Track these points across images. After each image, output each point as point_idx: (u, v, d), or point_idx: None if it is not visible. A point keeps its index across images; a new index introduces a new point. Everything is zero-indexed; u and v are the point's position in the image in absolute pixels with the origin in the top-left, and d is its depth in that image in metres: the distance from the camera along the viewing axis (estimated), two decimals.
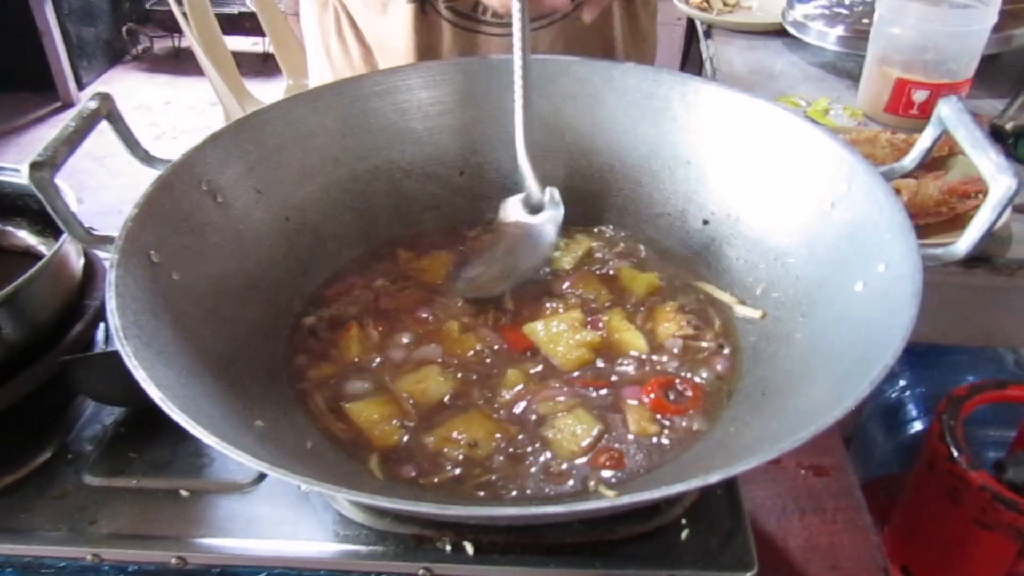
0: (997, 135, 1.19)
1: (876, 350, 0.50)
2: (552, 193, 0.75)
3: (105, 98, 0.63)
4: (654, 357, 0.67)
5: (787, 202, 0.70)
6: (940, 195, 1.02)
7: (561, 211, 0.74)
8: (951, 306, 1.03)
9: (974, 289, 1.00)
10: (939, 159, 1.12)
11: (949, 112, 0.60)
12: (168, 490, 0.63)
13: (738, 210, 0.74)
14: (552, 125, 0.83)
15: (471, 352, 0.67)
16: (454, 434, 0.59)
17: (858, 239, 0.61)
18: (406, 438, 0.60)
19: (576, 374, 0.65)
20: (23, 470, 0.64)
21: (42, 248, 0.79)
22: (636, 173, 0.80)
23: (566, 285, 0.73)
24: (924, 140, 0.63)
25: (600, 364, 0.66)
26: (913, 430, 1.33)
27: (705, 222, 0.76)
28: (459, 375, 0.65)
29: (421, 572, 0.58)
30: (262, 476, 0.64)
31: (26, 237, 0.80)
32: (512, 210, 0.77)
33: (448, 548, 0.58)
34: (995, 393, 0.95)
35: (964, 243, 0.55)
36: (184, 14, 1.82)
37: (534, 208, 0.76)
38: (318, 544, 0.60)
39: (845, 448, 0.83)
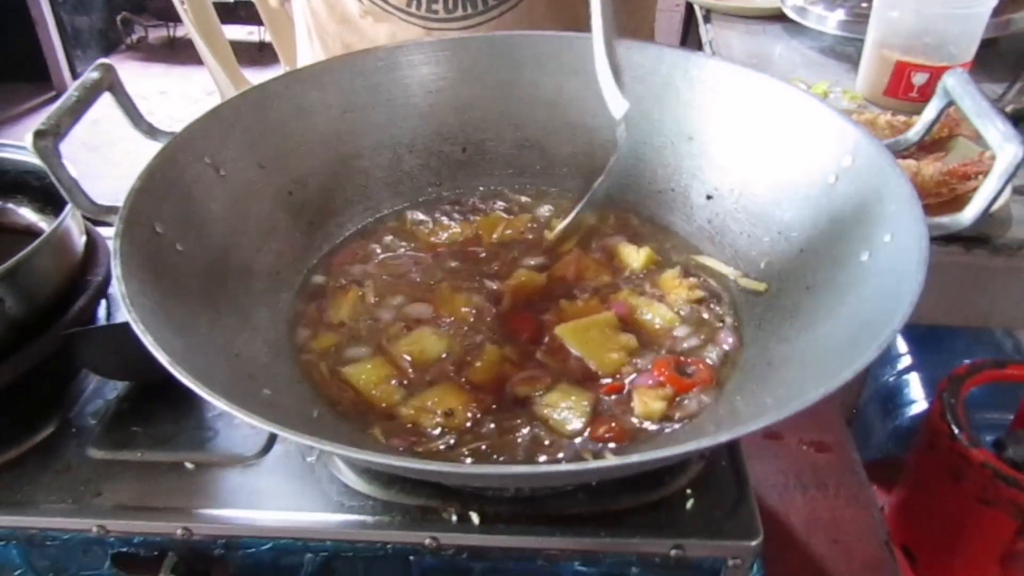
0: None
1: (884, 316, 0.50)
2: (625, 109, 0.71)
3: (108, 69, 0.63)
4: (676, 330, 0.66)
5: (791, 176, 0.70)
6: (940, 176, 1.02)
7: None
8: (949, 287, 1.03)
9: (973, 269, 1.00)
10: (940, 141, 1.12)
11: (955, 83, 0.60)
12: (172, 463, 0.63)
13: (742, 185, 0.74)
14: (555, 101, 0.83)
15: (468, 315, 0.67)
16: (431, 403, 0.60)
17: (863, 211, 0.61)
18: (405, 397, 0.60)
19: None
20: (26, 444, 0.64)
21: (43, 225, 0.79)
22: (640, 149, 0.80)
23: (571, 271, 0.72)
24: (929, 112, 0.63)
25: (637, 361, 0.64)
26: (911, 413, 1.34)
27: (708, 197, 0.76)
28: (453, 333, 0.65)
29: (428, 541, 0.58)
30: (267, 448, 0.64)
31: (27, 214, 0.80)
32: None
33: (454, 518, 0.58)
34: (995, 372, 0.96)
35: (970, 212, 0.55)
36: (182, 2, 1.81)
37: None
38: (323, 515, 0.60)
39: (845, 425, 0.84)
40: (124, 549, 0.60)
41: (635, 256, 0.72)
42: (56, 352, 0.65)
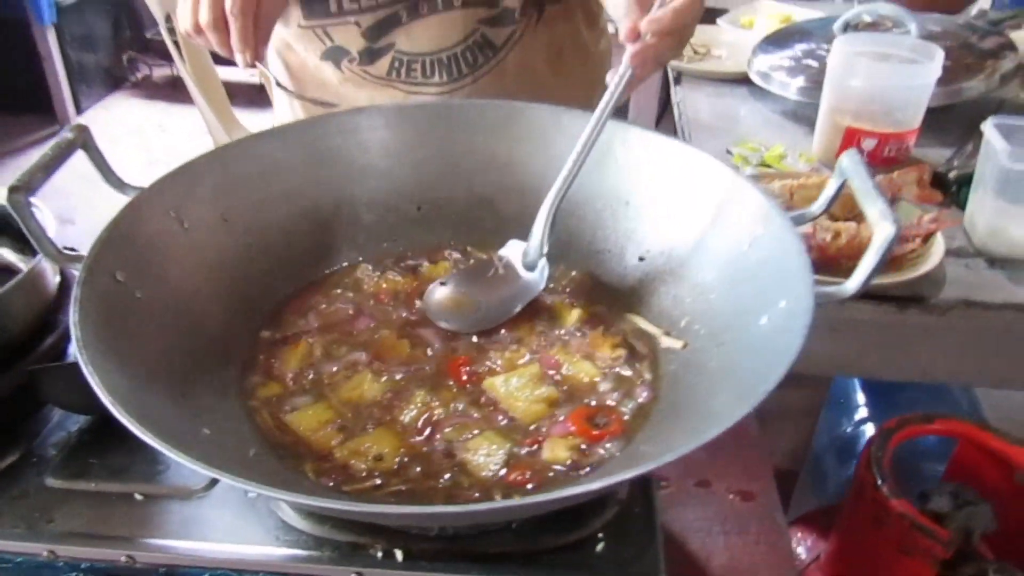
0: (941, 183, 1.25)
1: (772, 373, 0.55)
2: (544, 264, 0.80)
3: (82, 129, 0.69)
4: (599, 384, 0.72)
5: (712, 241, 0.76)
6: None
7: (543, 285, 0.80)
8: (888, 343, 1.08)
9: (908, 327, 1.05)
10: None
11: (848, 164, 0.66)
12: (123, 494, 0.68)
13: (670, 248, 0.80)
14: (505, 164, 0.89)
15: (408, 363, 0.72)
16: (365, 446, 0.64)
17: (768, 277, 0.67)
18: (343, 441, 0.65)
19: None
20: None
21: (22, 266, 0.84)
22: (581, 211, 0.86)
23: (507, 326, 0.78)
24: (829, 188, 0.69)
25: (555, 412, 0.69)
26: None
27: (641, 259, 0.82)
28: (390, 378, 0.71)
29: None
30: (212, 483, 0.68)
31: (7, 255, 0.85)
32: (512, 252, 0.83)
33: (379, 555, 0.63)
34: (922, 427, 1.00)
35: (853, 283, 0.60)
36: (176, 43, 1.89)
37: (528, 265, 0.81)
38: (261, 548, 0.64)
39: (772, 476, 0.88)
40: (72, 575, 0.65)
41: (568, 314, 0.78)
42: (23, 386, 0.71)
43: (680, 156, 0.80)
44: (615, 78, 0.78)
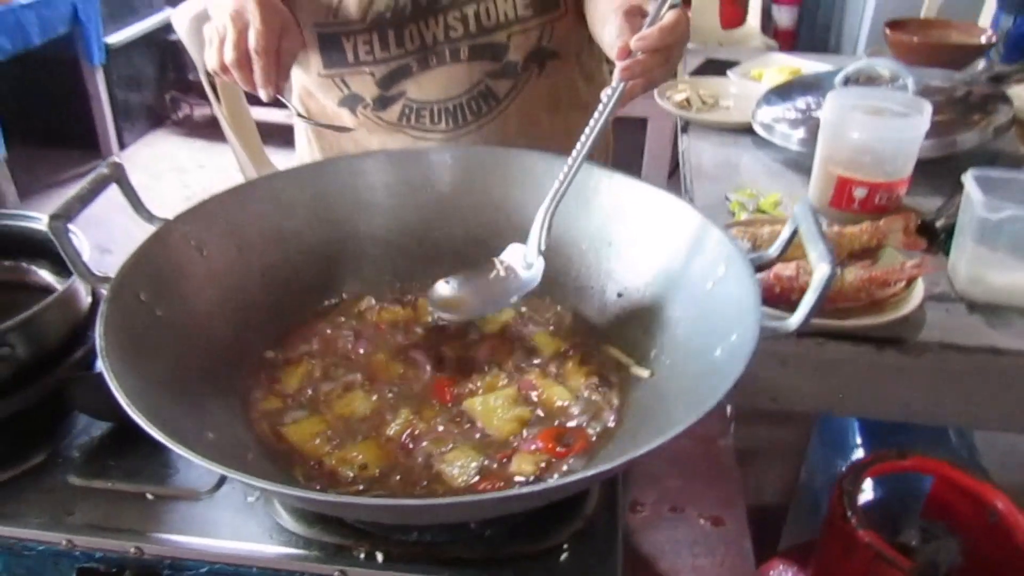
0: (928, 231, 1.31)
1: (719, 391, 0.61)
2: (541, 262, 0.87)
3: (116, 166, 0.78)
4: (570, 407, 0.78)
5: (682, 281, 0.82)
6: (860, 283, 1.13)
7: (538, 279, 0.87)
8: (867, 383, 1.13)
9: (886, 367, 1.10)
10: (870, 251, 1.24)
11: (800, 211, 0.72)
12: (136, 493, 0.75)
13: (645, 286, 0.86)
14: (500, 206, 0.96)
15: (398, 383, 0.80)
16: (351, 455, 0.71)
17: (725, 313, 0.73)
18: (332, 451, 0.72)
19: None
20: (19, 468, 0.77)
21: (57, 286, 0.93)
22: (568, 250, 0.93)
23: (487, 351, 0.85)
24: (784, 233, 0.75)
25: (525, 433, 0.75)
26: None
27: (619, 295, 0.89)
28: (380, 396, 0.78)
29: (336, 574, 0.69)
30: (217, 486, 0.76)
31: (46, 276, 0.94)
32: (512, 254, 0.90)
33: (362, 556, 0.69)
34: (896, 463, 1.04)
35: (795, 319, 0.66)
36: (212, 85, 2.00)
37: (527, 266, 0.89)
38: (256, 546, 0.71)
39: (744, 505, 0.93)
40: (87, 564, 0.72)
41: (547, 343, 0.85)
42: (53, 393, 0.79)
43: (658, 201, 0.87)
44: (608, 92, 0.85)
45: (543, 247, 0.86)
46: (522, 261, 0.89)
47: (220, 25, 0.92)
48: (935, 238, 1.30)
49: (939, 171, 1.49)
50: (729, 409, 1.23)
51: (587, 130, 0.85)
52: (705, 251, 0.80)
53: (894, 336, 1.09)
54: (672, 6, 0.86)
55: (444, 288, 0.88)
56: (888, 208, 1.36)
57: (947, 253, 1.25)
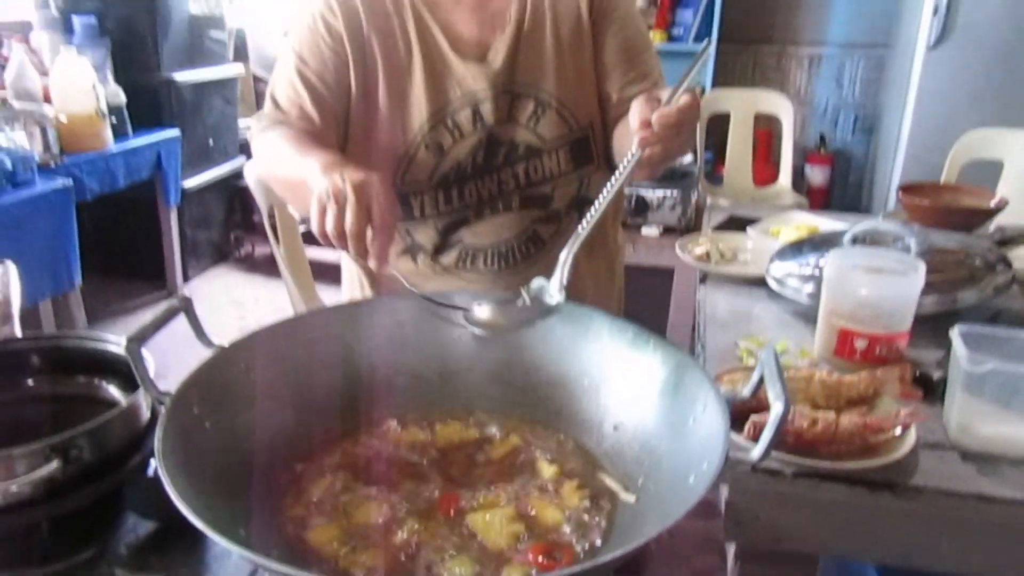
0: (925, 382, 1.38)
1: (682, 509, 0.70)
2: (562, 295, 1.04)
3: (186, 300, 0.93)
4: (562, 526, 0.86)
5: (670, 417, 0.91)
6: (855, 428, 1.20)
7: (560, 309, 1.04)
8: (867, 526, 1.17)
9: (880, 510, 1.14)
10: (867, 398, 1.31)
11: (764, 357, 0.82)
12: None
13: (639, 420, 0.96)
14: (512, 346, 1.08)
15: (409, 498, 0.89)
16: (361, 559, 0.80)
17: (701, 446, 0.82)
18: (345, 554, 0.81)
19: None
20: (70, 561, 0.87)
21: (122, 400, 1.06)
22: (571, 387, 1.04)
23: (492, 473, 0.94)
24: (754, 376, 0.85)
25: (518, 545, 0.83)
26: None
27: (615, 428, 0.98)
28: (392, 509, 0.87)
29: None
30: None
31: (113, 391, 1.08)
32: (537, 286, 1.06)
33: None
34: None
35: (756, 451, 0.75)
36: (273, 227, 2.21)
37: (550, 298, 1.05)
38: None
39: None
40: None
41: (546, 469, 0.94)
42: (110, 494, 0.90)
43: (653, 346, 0.97)
44: (628, 156, 1.02)
45: (565, 283, 1.03)
46: (545, 294, 1.04)
47: (338, 191, 0.99)
48: (933, 389, 1.37)
49: (943, 326, 1.56)
50: (731, 553, 1.28)
51: (607, 187, 1.03)
52: (689, 391, 0.90)
53: (888, 480, 1.14)
54: (687, 91, 1.03)
55: (479, 311, 1.05)
56: (889, 359, 1.44)
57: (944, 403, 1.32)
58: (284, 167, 1.21)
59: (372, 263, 0.99)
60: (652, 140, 1.00)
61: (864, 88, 5.01)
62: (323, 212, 1.00)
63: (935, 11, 3.93)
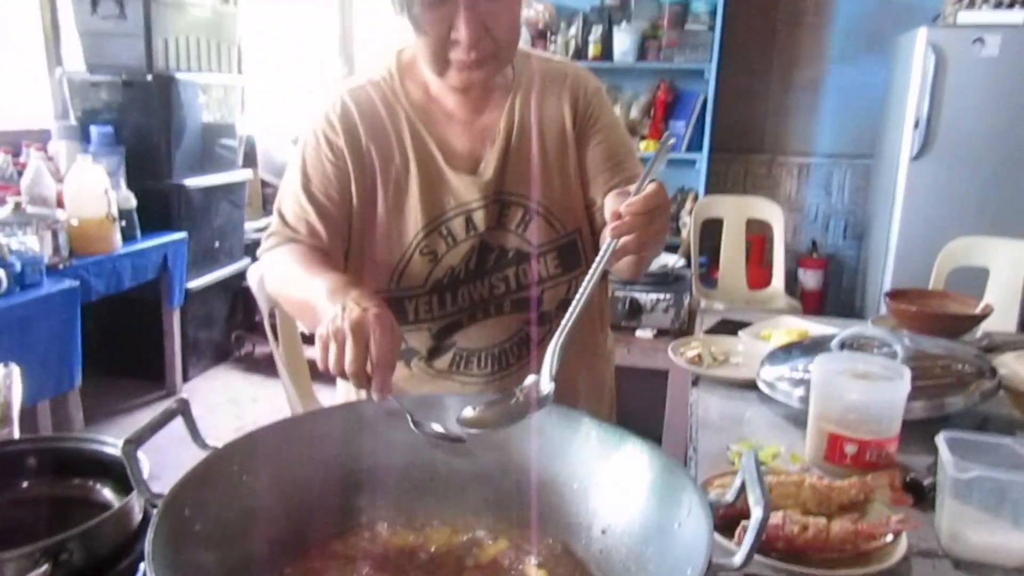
0: (916, 489, 1.38)
1: None
2: (552, 386, 1.03)
3: (183, 402, 0.95)
4: None
5: (656, 520, 0.92)
6: (845, 534, 1.20)
7: (551, 400, 1.03)
8: None
9: None
10: (858, 504, 1.31)
11: (745, 462, 0.84)
12: None
13: (626, 524, 0.97)
14: (501, 448, 1.10)
15: None
16: None
17: (685, 551, 0.83)
18: None
19: None
20: None
21: (116, 502, 1.07)
22: (561, 489, 1.05)
23: None
24: (737, 481, 0.87)
25: None
26: None
27: (603, 531, 0.99)
28: None
29: None
30: None
31: (108, 494, 1.09)
32: (529, 384, 1.06)
33: None
34: None
35: (738, 557, 0.76)
36: (273, 327, 2.25)
37: (540, 390, 1.04)
38: None
39: None
40: None
41: (534, 574, 0.94)
42: None
43: (637, 451, 0.99)
44: (603, 247, 1.06)
45: (553, 374, 1.03)
46: (536, 389, 1.04)
47: (337, 331, 1.01)
48: (924, 495, 1.37)
49: (933, 431, 1.57)
50: None
51: (586, 278, 1.05)
52: (675, 494, 0.91)
53: None
54: (652, 180, 1.09)
55: (470, 412, 1.05)
56: (879, 464, 1.45)
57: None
58: (292, 286, 1.27)
59: (375, 395, 1.02)
60: (624, 229, 1.06)
61: (852, 196, 5.17)
62: (326, 349, 1.03)
63: (916, 124, 4.10)
